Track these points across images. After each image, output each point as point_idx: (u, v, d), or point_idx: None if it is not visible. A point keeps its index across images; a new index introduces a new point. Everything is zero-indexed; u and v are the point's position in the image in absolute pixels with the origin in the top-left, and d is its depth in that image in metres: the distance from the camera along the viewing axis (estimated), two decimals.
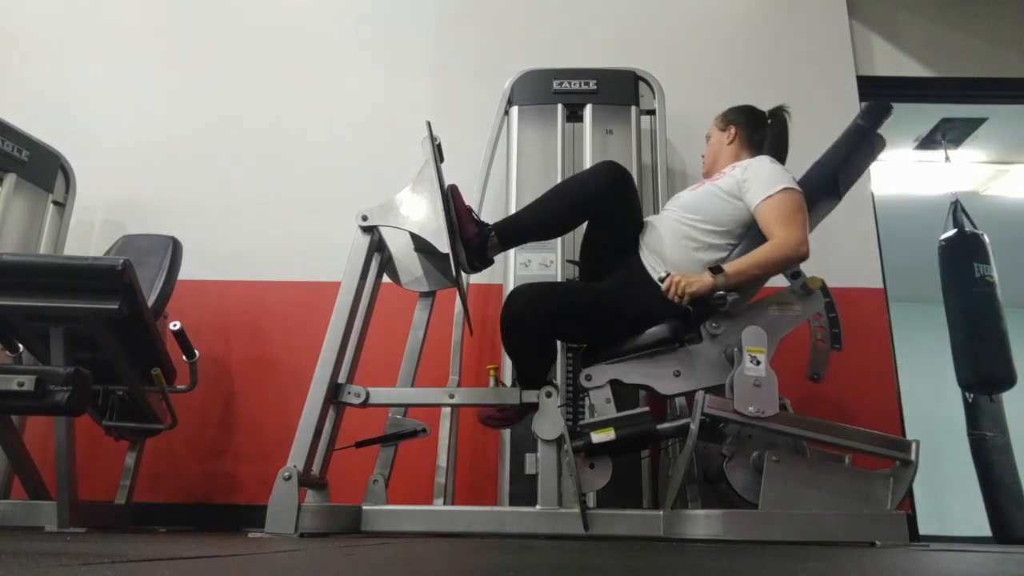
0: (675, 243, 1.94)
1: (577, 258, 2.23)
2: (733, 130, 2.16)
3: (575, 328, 1.98)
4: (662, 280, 1.84)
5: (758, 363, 1.75)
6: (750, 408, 1.72)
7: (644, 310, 1.89)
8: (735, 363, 1.77)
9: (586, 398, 2.20)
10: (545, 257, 2.55)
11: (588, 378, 1.89)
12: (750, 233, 1.94)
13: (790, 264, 1.87)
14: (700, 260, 1.92)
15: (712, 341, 1.90)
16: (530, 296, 1.88)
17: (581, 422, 1.85)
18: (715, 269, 1.81)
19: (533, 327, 1.87)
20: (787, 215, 1.86)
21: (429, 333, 2.30)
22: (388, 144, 3.08)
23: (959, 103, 3.67)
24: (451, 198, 1.93)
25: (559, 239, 2.50)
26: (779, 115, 2.18)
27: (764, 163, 1.99)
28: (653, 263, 1.92)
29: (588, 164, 2.64)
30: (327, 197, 3.03)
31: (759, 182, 1.92)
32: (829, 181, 2.04)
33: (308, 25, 3.33)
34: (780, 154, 2.12)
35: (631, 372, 1.89)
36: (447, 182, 1.98)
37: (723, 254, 1.94)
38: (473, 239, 1.91)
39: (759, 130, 2.16)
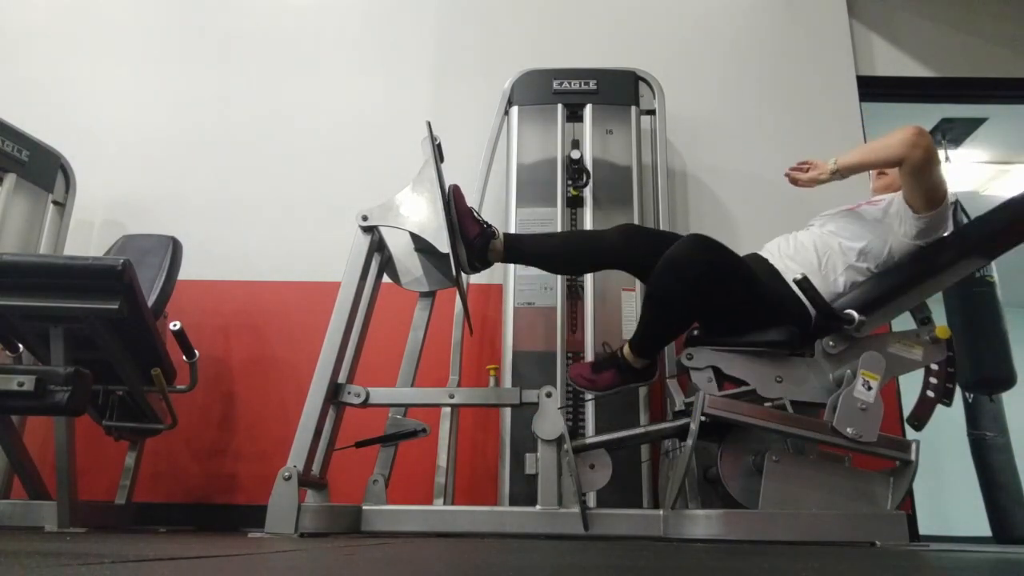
0: (816, 253, 1.95)
1: None
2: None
3: (718, 296, 1.87)
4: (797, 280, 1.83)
5: (870, 388, 1.75)
6: (849, 429, 1.72)
7: (772, 303, 1.87)
8: (844, 383, 1.77)
9: (584, 400, 2.20)
10: None
11: (690, 357, 1.89)
12: (894, 264, 1.93)
13: (895, 154, 1.81)
14: (838, 280, 1.92)
15: (825, 359, 1.88)
16: (706, 246, 1.83)
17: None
18: (844, 305, 1.83)
19: (696, 276, 1.79)
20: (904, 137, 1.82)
21: (429, 333, 2.30)
22: (388, 144, 3.08)
23: (959, 103, 3.67)
24: (453, 198, 1.93)
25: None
26: None
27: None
28: (790, 264, 1.94)
29: (588, 164, 2.64)
30: (327, 197, 3.03)
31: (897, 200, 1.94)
32: (985, 240, 1.94)
33: (308, 25, 3.33)
34: None
35: (734, 363, 1.88)
36: (447, 182, 1.98)
37: (861, 278, 1.93)
38: (475, 239, 1.91)
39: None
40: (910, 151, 1.78)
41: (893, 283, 1.90)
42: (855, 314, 1.77)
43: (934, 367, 1.97)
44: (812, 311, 1.84)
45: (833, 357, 1.87)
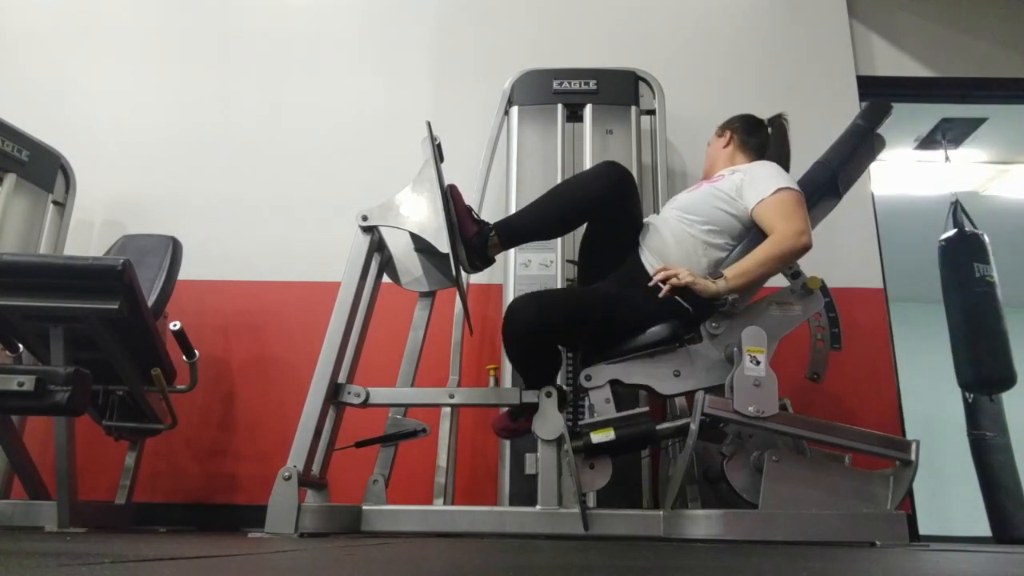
0: (677, 243, 1.94)
1: (576, 258, 2.21)
2: (729, 134, 2.18)
3: (575, 334, 1.97)
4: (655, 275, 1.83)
5: (758, 363, 1.75)
6: (750, 408, 1.72)
7: (644, 313, 1.88)
8: (735, 363, 1.77)
9: (586, 398, 2.20)
10: (545, 257, 2.55)
11: (588, 378, 1.89)
12: (749, 234, 1.94)
13: (792, 257, 1.85)
14: (700, 261, 1.92)
15: (712, 341, 1.89)
16: (528, 310, 1.86)
17: (581, 422, 1.85)
18: (715, 275, 1.81)
19: (534, 341, 1.86)
20: (786, 210, 1.86)
21: (429, 333, 2.30)
22: (388, 144, 3.08)
23: (959, 103, 3.67)
24: (451, 198, 1.93)
25: (559, 239, 2.50)
26: (778, 122, 2.20)
27: (762, 165, 2.00)
28: (653, 263, 1.92)
29: (588, 164, 2.64)
30: (327, 197, 3.03)
31: (757, 183, 1.92)
32: (829, 181, 2.04)
33: (308, 25, 3.33)
34: (782, 160, 2.11)
35: (631, 372, 1.88)
36: (447, 182, 1.98)
37: (723, 254, 1.94)
38: (473, 238, 1.91)
39: (755, 134, 2.17)
40: (799, 240, 1.82)
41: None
42: (727, 297, 1.79)
43: (817, 317, 2.00)
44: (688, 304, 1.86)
45: (719, 337, 1.89)
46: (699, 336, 1.91)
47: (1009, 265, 3.71)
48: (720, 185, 2.00)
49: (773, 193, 1.88)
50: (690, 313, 1.87)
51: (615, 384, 1.89)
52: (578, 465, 1.78)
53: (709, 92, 3.17)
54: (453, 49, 3.27)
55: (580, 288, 2.13)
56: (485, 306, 2.85)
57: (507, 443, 2.38)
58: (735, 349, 1.79)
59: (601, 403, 1.86)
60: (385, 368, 2.31)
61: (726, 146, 2.17)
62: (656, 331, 1.87)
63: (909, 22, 3.37)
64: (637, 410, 1.85)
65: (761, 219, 1.89)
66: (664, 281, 1.80)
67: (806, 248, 1.83)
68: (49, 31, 3.33)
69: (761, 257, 1.83)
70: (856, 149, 2.07)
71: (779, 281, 2.01)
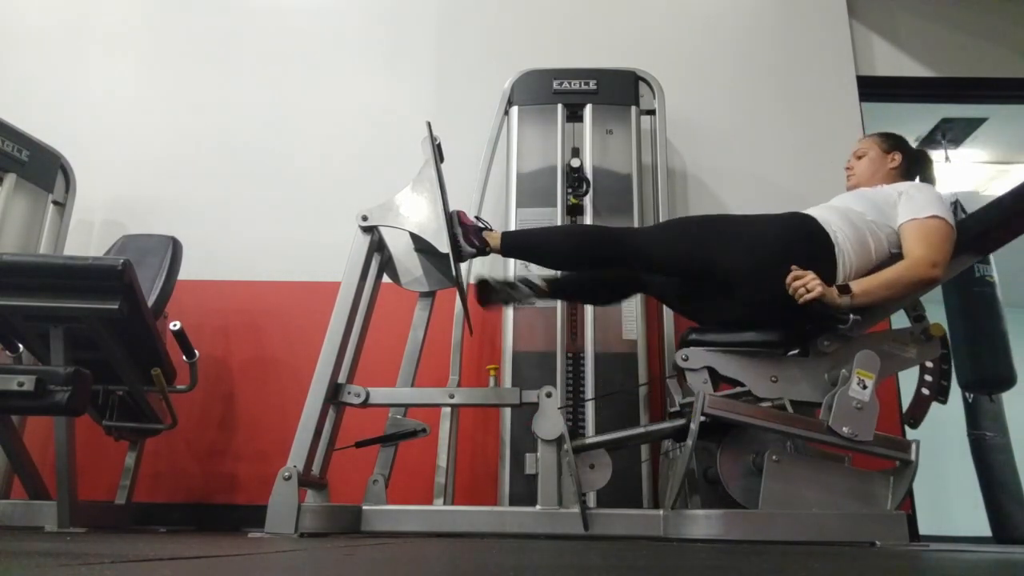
0: (856, 235, 1.82)
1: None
2: (899, 157, 2.05)
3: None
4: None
5: (865, 387, 1.74)
6: (845, 428, 1.70)
7: (774, 292, 1.76)
8: (839, 382, 1.76)
9: (586, 406, 2.21)
10: None
11: (685, 358, 1.88)
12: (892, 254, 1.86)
13: (920, 286, 1.76)
14: (871, 256, 1.84)
15: (819, 358, 1.86)
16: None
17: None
18: (843, 288, 1.72)
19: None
20: (931, 237, 1.76)
21: (429, 333, 2.30)
22: (388, 144, 3.08)
23: (959, 103, 3.67)
24: (458, 220, 1.96)
25: None
26: (928, 158, 2.11)
27: (927, 188, 1.90)
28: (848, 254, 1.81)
29: (588, 164, 2.64)
30: (327, 197, 3.03)
31: (917, 201, 1.83)
32: (977, 237, 1.89)
33: (309, 25, 3.33)
34: None
35: (729, 364, 1.87)
36: (447, 183, 1.99)
37: (886, 255, 1.85)
38: (470, 227, 1.96)
39: (921, 169, 2.07)
40: (931, 271, 1.74)
41: None
42: (849, 315, 1.75)
43: (929, 365, 1.97)
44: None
45: (828, 356, 1.86)
46: (806, 351, 1.89)
47: (1009, 265, 3.70)
48: (882, 190, 1.93)
49: (928, 217, 1.78)
50: (804, 319, 1.82)
51: (710, 372, 1.88)
52: (578, 465, 1.78)
53: (709, 92, 3.18)
54: (453, 49, 3.27)
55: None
56: None
57: (507, 443, 2.39)
58: (843, 371, 1.76)
59: (699, 384, 1.86)
60: (385, 368, 2.31)
61: (893, 167, 2.04)
62: (765, 332, 1.86)
63: (909, 22, 3.37)
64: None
65: (904, 237, 1.80)
66: (796, 288, 1.71)
67: (935, 281, 1.75)
68: (49, 31, 3.33)
69: (890, 278, 1.74)
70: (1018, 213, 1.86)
71: (901, 321, 1.95)
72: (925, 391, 1.98)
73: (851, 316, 1.72)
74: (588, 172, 2.64)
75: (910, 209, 1.82)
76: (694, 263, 1.88)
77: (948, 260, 1.77)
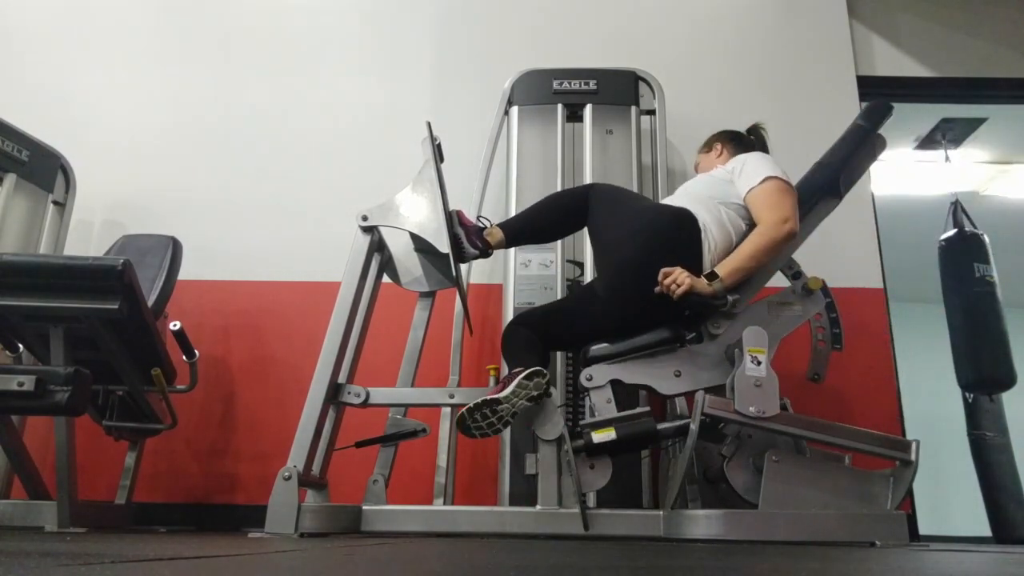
0: (713, 220, 1.91)
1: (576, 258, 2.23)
2: (719, 147, 2.21)
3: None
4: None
5: (759, 363, 1.75)
6: (751, 408, 1.72)
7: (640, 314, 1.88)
8: (736, 363, 1.77)
9: (587, 398, 2.20)
10: (545, 257, 2.54)
11: (589, 378, 1.89)
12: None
13: (780, 244, 1.85)
14: (732, 238, 1.92)
15: (713, 341, 1.90)
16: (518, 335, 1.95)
17: (582, 422, 1.85)
18: (710, 276, 1.79)
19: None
20: (771, 199, 1.87)
21: (429, 333, 2.30)
22: (388, 144, 3.08)
23: (959, 103, 3.67)
24: (458, 220, 1.96)
25: (559, 241, 2.51)
26: (757, 131, 2.23)
27: (754, 156, 2.02)
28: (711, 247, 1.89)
29: (588, 164, 2.64)
30: (327, 197, 3.03)
31: (748, 172, 1.94)
32: (830, 181, 2.04)
33: (308, 25, 3.33)
34: None
35: (632, 372, 1.88)
36: (447, 183, 1.99)
37: (750, 231, 1.92)
38: (471, 227, 1.97)
39: (742, 142, 2.19)
40: (783, 227, 1.83)
41: None
42: (726, 295, 1.79)
43: (818, 318, 2.00)
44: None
45: (719, 338, 1.89)
46: (700, 337, 1.91)
47: (1009, 265, 3.71)
48: (715, 172, 2.04)
49: (761, 182, 1.89)
50: (684, 313, 1.87)
51: (616, 384, 1.89)
52: (578, 465, 1.78)
53: (709, 92, 3.17)
54: (453, 49, 3.27)
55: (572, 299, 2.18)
56: (485, 306, 2.85)
57: (507, 443, 2.38)
58: (736, 350, 1.79)
59: (602, 403, 1.86)
60: (385, 368, 2.31)
61: (719, 157, 2.19)
62: (657, 331, 1.87)
63: (909, 22, 3.37)
64: (638, 410, 1.85)
65: (751, 208, 1.91)
66: (667, 285, 1.77)
67: (791, 235, 1.84)
68: (49, 31, 3.32)
69: (750, 250, 1.83)
70: (857, 149, 2.07)
71: (780, 281, 2.01)
72: (821, 344, 2.02)
73: (728, 297, 1.79)
74: (587, 172, 2.64)
75: (744, 181, 1.93)
76: (594, 230, 1.99)
77: (795, 211, 1.87)
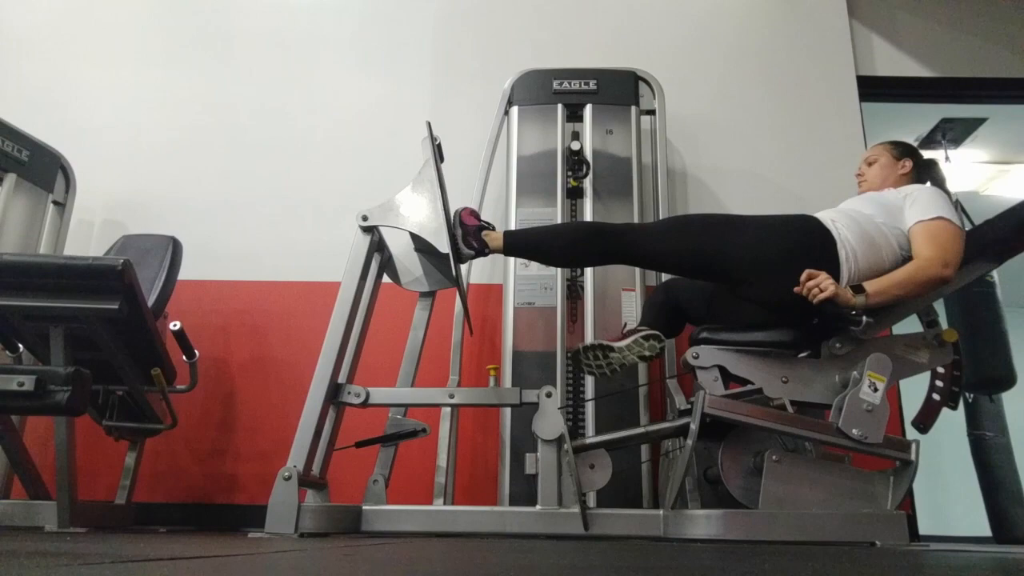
0: (866, 238, 1.84)
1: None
2: (909, 164, 2.08)
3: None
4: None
5: (876, 390, 1.74)
6: (854, 431, 1.71)
7: (767, 301, 1.85)
8: (851, 384, 1.75)
9: (586, 406, 2.20)
10: None
11: (696, 356, 1.90)
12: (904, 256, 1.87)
13: (931, 285, 1.76)
14: (885, 260, 1.84)
15: (830, 360, 1.86)
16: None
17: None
18: (856, 288, 1.73)
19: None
20: (939, 238, 1.78)
21: (429, 333, 2.30)
22: (388, 144, 3.08)
23: (959, 103, 3.67)
24: (461, 221, 1.96)
25: None
26: (939, 169, 2.14)
27: (932, 191, 1.92)
28: (851, 255, 1.82)
29: (589, 158, 2.64)
30: (327, 197, 3.03)
31: (922, 204, 1.85)
32: (994, 244, 1.88)
33: (309, 25, 3.33)
34: None
35: (739, 363, 1.88)
36: (447, 183, 1.99)
37: (900, 256, 1.85)
38: (471, 226, 1.96)
39: (930, 177, 2.10)
40: (943, 270, 1.75)
41: None
42: (862, 314, 1.75)
43: (940, 370, 1.96)
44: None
45: (839, 359, 1.86)
46: (818, 352, 1.89)
47: (1009, 265, 3.70)
48: (886, 194, 1.95)
49: (933, 219, 1.80)
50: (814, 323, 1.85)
51: (721, 371, 1.89)
52: (578, 465, 1.78)
53: (709, 92, 3.18)
54: (453, 49, 3.27)
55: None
56: (485, 306, 2.85)
57: (507, 443, 2.39)
58: (855, 373, 1.76)
59: (709, 382, 1.87)
60: (385, 368, 2.31)
61: (903, 174, 2.08)
62: (778, 332, 1.87)
63: (909, 22, 3.37)
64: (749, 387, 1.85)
65: (913, 239, 1.82)
66: (810, 287, 1.72)
67: (946, 280, 1.75)
68: (49, 31, 3.33)
69: (901, 278, 1.75)
70: None
71: (913, 326, 1.94)
72: (936, 396, 1.98)
73: (864, 318, 1.73)
74: (588, 157, 2.64)
75: (916, 211, 1.84)
76: (695, 258, 1.90)
77: (958, 260, 1.77)
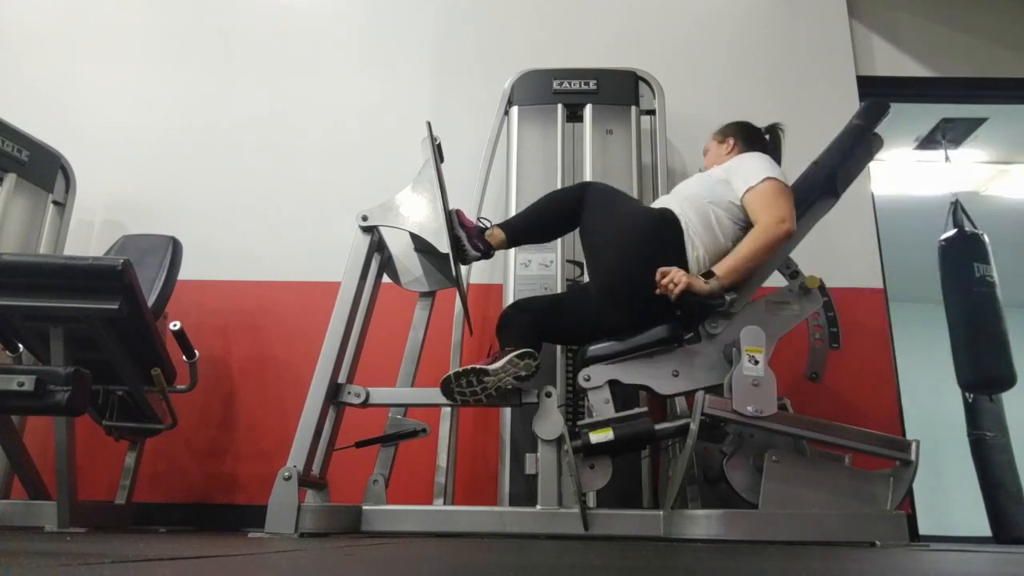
0: (700, 220, 1.91)
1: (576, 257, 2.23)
2: (731, 142, 2.20)
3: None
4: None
5: (756, 363, 1.76)
6: (749, 408, 1.73)
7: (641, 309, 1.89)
8: (733, 363, 1.77)
9: (585, 398, 2.20)
10: (545, 257, 2.54)
11: (587, 379, 1.89)
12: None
13: (777, 244, 1.85)
14: (725, 241, 1.92)
15: (711, 341, 1.90)
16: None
17: (580, 423, 1.85)
18: (707, 275, 1.81)
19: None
20: (767, 199, 1.87)
21: (429, 333, 2.30)
22: (388, 144, 3.08)
23: (959, 103, 3.67)
24: (459, 221, 1.96)
25: (559, 239, 2.51)
26: (775, 132, 2.22)
27: (752, 156, 2.02)
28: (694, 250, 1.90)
29: (588, 164, 2.64)
30: (327, 197, 3.03)
31: (744, 172, 1.95)
32: (826, 180, 2.04)
33: (308, 25, 3.33)
34: None
35: (630, 372, 1.89)
36: (447, 183, 1.99)
37: (741, 232, 1.93)
38: (472, 229, 1.97)
39: (756, 142, 2.18)
40: (780, 227, 1.83)
41: None
42: (723, 295, 1.79)
43: (815, 316, 2.01)
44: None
45: (717, 337, 1.89)
46: (698, 336, 1.91)
47: (1009, 265, 3.70)
48: (712, 172, 2.04)
49: (759, 183, 1.89)
50: (680, 315, 1.88)
51: (614, 384, 1.89)
52: (578, 465, 1.78)
53: (709, 92, 3.17)
54: (453, 49, 3.27)
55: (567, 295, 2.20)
56: (485, 306, 2.85)
57: (507, 443, 2.39)
58: (734, 349, 1.79)
59: (600, 403, 1.87)
60: (385, 368, 2.31)
61: (729, 152, 2.18)
62: (655, 331, 1.88)
63: (909, 22, 3.37)
64: (636, 410, 1.85)
65: (748, 208, 1.91)
66: (665, 285, 1.78)
67: (788, 234, 1.84)
68: (49, 31, 3.33)
69: (746, 250, 1.83)
70: (853, 148, 2.07)
71: (777, 280, 2.01)
72: (819, 343, 2.03)
73: (726, 296, 1.79)
74: (587, 173, 2.64)
75: (740, 181, 1.93)
76: (584, 234, 2.00)
77: (791, 212, 1.86)
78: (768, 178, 1.89)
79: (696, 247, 1.88)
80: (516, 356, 1.83)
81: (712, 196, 1.95)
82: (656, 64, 2.90)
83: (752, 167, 1.94)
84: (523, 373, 1.84)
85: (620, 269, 1.89)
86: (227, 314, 2.89)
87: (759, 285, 2.00)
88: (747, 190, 1.90)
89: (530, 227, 2.07)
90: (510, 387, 1.86)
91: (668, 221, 1.91)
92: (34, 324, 1.93)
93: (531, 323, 1.98)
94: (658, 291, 1.79)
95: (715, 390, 1.82)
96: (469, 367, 1.82)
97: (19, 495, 2.24)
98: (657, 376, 1.88)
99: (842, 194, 2.08)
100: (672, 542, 1.69)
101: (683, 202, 1.95)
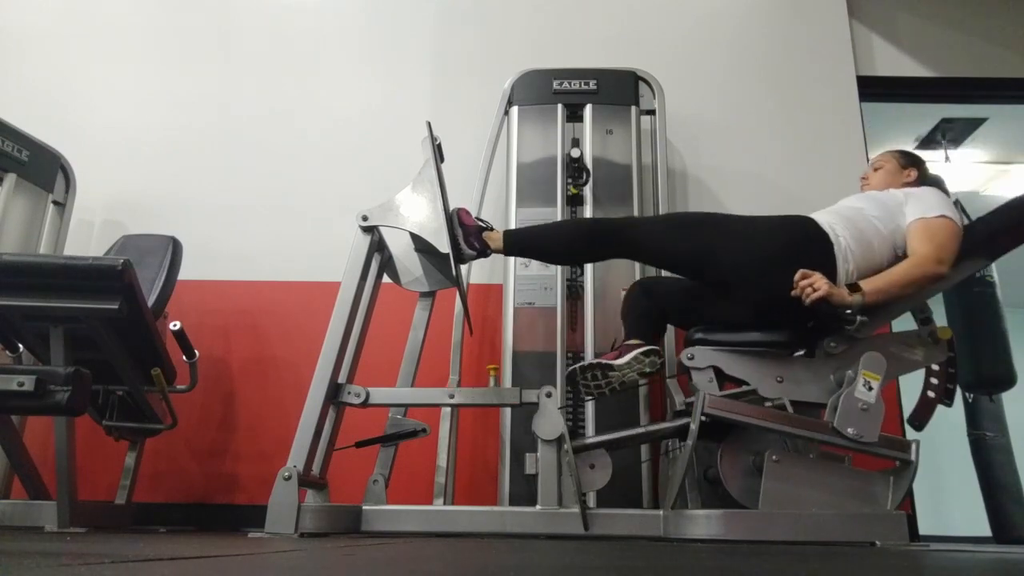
0: (855, 235, 1.84)
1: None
2: (914, 174, 2.08)
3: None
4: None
5: (871, 389, 1.74)
6: (849, 430, 1.71)
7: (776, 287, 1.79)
8: (845, 383, 1.76)
9: (586, 401, 2.20)
10: None
11: (691, 357, 1.90)
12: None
13: (927, 282, 1.77)
14: (876, 257, 1.85)
15: (825, 360, 1.86)
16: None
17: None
18: (853, 287, 1.73)
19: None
20: (937, 235, 1.78)
21: (429, 333, 2.30)
22: (388, 144, 3.08)
23: (959, 103, 3.67)
24: (459, 220, 1.95)
25: None
26: (943, 183, 2.14)
27: (938, 192, 1.93)
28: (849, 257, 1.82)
29: (588, 164, 2.64)
30: (327, 197, 3.03)
31: (926, 202, 1.86)
32: (988, 240, 1.89)
33: (308, 25, 3.33)
34: None
35: (734, 363, 1.89)
36: (447, 183, 1.99)
37: (895, 260, 1.85)
38: (470, 227, 1.96)
39: (935, 186, 2.07)
40: (938, 267, 1.75)
41: None
42: (856, 316, 1.74)
43: (935, 367, 1.96)
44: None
45: (834, 358, 1.86)
46: (812, 351, 1.89)
47: (1009, 265, 3.70)
48: (892, 192, 1.95)
49: (936, 216, 1.81)
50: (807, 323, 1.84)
51: (716, 371, 1.89)
52: (578, 465, 1.78)
53: (709, 92, 3.17)
54: (453, 49, 3.27)
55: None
56: (485, 306, 2.85)
57: (507, 443, 2.39)
58: (849, 372, 1.77)
59: (704, 383, 1.87)
60: (385, 368, 2.31)
61: (908, 182, 2.06)
62: (773, 332, 1.87)
63: (909, 22, 3.37)
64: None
65: (910, 236, 1.82)
66: (804, 287, 1.71)
67: (941, 277, 1.76)
68: (49, 31, 3.33)
69: (899, 277, 1.75)
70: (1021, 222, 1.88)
71: (908, 324, 1.95)
72: (931, 394, 1.98)
73: (858, 317, 1.72)
74: (588, 164, 2.64)
75: (918, 209, 1.85)
76: (692, 257, 1.91)
77: (953, 258, 1.78)
78: (945, 216, 1.81)
79: (848, 260, 1.81)
80: (641, 353, 1.86)
81: (880, 213, 1.87)
82: (656, 64, 2.90)
83: (935, 201, 1.86)
84: (647, 370, 1.86)
85: (768, 264, 1.82)
86: (227, 314, 2.89)
87: (890, 319, 1.94)
88: (920, 218, 1.82)
89: (539, 245, 2.04)
90: (634, 383, 1.89)
91: (809, 224, 1.86)
92: (34, 324, 1.93)
93: (655, 310, 2.00)
94: (794, 292, 1.73)
95: (812, 409, 1.80)
96: (596, 361, 1.87)
97: (19, 495, 2.24)
98: (761, 376, 1.86)
99: (997, 259, 1.99)
100: (672, 542, 1.69)
101: (839, 217, 1.88)
